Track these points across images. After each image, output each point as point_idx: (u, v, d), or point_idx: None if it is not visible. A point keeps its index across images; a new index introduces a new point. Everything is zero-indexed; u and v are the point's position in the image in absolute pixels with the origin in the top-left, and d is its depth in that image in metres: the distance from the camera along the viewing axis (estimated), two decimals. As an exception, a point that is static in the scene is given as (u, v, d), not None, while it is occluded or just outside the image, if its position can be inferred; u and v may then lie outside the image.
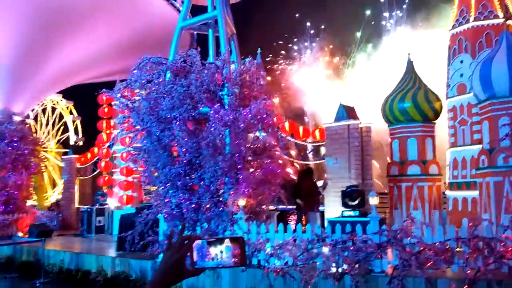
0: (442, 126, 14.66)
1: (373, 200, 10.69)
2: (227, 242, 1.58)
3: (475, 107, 11.79)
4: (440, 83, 14.53)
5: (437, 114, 13.65)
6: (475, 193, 11.87)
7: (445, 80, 14.06)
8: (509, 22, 12.68)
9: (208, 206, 10.05)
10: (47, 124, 31.07)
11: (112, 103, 18.81)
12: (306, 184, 13.66)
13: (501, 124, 9.82)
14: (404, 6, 27.42)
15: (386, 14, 28.19)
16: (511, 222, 7.43)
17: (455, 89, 13.31)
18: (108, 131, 20.33)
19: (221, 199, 10.22)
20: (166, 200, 10.46)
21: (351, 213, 11.94)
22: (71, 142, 29.05)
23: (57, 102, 30.30)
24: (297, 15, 29.60)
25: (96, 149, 21.05)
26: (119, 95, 11.28)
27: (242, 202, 10.08)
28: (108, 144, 20.25)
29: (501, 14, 12.79)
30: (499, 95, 10.42)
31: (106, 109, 20.30)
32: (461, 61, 13.26)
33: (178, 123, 10.29)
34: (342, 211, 12.21)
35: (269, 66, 28.20)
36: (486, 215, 10.43)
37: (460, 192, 12.95)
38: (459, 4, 13.68)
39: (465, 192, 12.75)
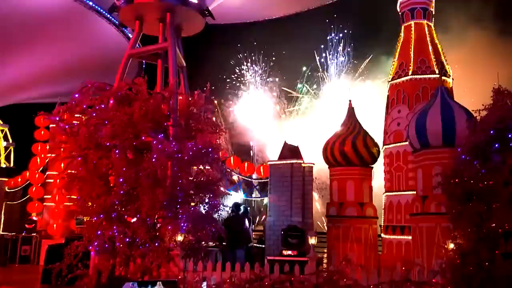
0: (379, 171, 15.21)
1: (312, 240, 10.76)
2: (159, 285, 1.48)
3: (411, 155, 12.36)
4: (378, 130, 15.16)
5: (374, 159, 14.19)
6: (409, 238, 12.27)
7: (383, 127, 14.73)
8: (444, 78, 13.62)
9: (143, 240, 9.61)
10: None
11: (50, 126, 18.00)
12: (233, 221, 13.53)
13: (434, 173, 10.29)
14: (342, 59, 28.77)
15: (331, 60, 29.40)
16: (441, 267, 7.69)
17: (392, 137, 13.94)
18: (42, 155, 19.34)
19: (157, 233, 9.83)
20: (99, 232, 9.91)
21: (290, 252, 11.93)
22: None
23: None
24: (247, 54, 30.24)
25: (28, 173, 19.90)
26: (57, 118, 10.77)
27: (180, 237, 9.76)
28: (41, 168, 19.23)
29: (437, 70, 13.74)
30: (433, 145, 11.02)
31: (42, 132, 19.39)
32: (399, 111, 13.96)
33: (117, 151, 9.91)
34: (281, 250, 12.17)
35: (217, 105, 28.31)
36: (419, 259, 10.78)
37: (394, 236, 13.33)
38: (399, 57, 14.56)
39: (399, 236, 13.15)
